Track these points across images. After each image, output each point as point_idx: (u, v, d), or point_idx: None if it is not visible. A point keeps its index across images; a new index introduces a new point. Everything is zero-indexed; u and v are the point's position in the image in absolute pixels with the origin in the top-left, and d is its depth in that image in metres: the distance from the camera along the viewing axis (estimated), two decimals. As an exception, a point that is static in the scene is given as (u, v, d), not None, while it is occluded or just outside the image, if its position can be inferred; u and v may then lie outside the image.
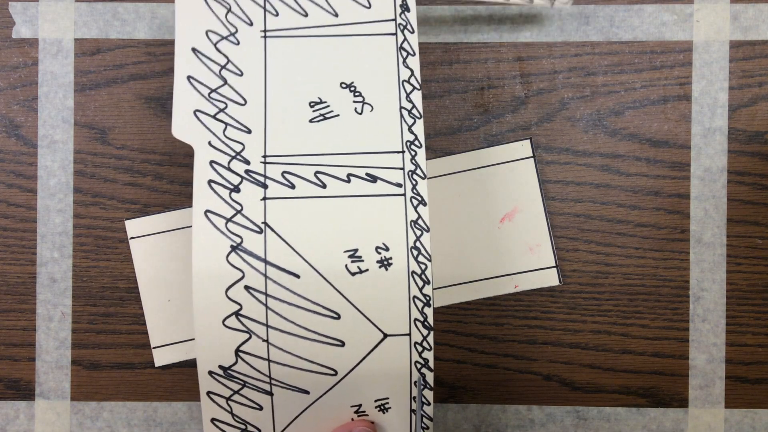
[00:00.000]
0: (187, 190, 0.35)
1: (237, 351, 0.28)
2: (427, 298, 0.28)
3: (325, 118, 0.29)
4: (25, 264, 0.35)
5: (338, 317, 0.28)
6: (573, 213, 0.35)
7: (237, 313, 0.28)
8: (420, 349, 0.28)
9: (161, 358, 0.35)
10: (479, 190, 0.34)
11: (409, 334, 0.28)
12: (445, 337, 0.35)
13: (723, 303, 0.34)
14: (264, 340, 0.28)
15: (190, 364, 0.35)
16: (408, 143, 0.29)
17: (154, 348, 0.35)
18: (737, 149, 0.35)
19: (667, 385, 0.34)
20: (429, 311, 0.28)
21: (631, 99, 0.35)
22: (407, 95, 0.30)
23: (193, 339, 0.34)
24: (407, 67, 0.30)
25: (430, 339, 0.29)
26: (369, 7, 0.30)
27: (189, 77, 0.30)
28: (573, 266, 0.35)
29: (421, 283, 0.28)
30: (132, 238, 0.35)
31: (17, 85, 0.35)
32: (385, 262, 0.28)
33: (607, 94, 0.35)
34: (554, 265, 0.34)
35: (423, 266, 0.28)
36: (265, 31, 0.30)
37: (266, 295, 0.28)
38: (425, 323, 0.28)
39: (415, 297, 0.28)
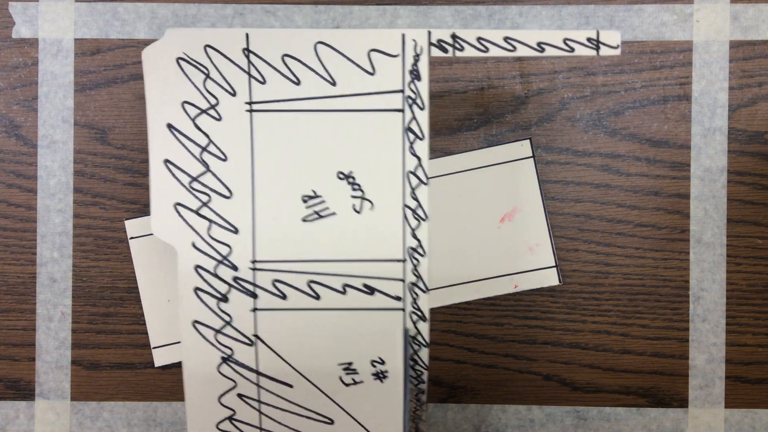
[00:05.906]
0: (187, 190, 0.35)
1: None
2: (422, 403, 0.29)
3: (320, 217, 0.27)
4: (25, 264, 0.35)
5: (332, 422, 0.28)
6: (573, 213, 0.35)
7: (230, 418, 0.28)
8: None
9: (161, 358, 0.35)
10: (479, 190, 0.34)
11: None
12: (445, 337, 0.35)
13: (723, 303, 0.34)
14: None
15: (190, 364, 0.35)
16: (410, 250, 0.27)
17: (154, 348, 0.35)
18: (737, 149, 0.35)
19: (667, 385, 0.34)
20: (424, 414, 0.29)
21: (631, 99, 0.35)
22: (413, 191, 0.26)
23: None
24: (414, 154, 0.26)
25: None
26: (373, 74, 0.26)
27: (166, 161, 0.26)
28: (573, 266, 0.35)
29: (416, 392, 0.28)
30: (132, 238, 0.35)
31: (17, 85, 0.35)
32: (381, 375, 0.28)
33: (607, 94, 0.35)
34: (554, 265, 0.34)
35: (420, 377, 0.28)
36: (250, 103, 0.26)
37: (259, 402, 0.28)
38: (418, 429, 0.29)
39: (411, 402, 0.28)
